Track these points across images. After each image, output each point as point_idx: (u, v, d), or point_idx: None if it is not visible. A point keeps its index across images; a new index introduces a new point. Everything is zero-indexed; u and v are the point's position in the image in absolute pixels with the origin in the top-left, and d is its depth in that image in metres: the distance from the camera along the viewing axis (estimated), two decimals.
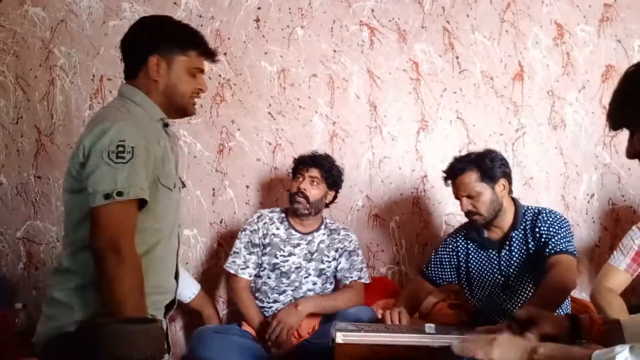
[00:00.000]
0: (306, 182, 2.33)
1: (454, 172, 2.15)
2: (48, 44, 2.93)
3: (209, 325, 2.47)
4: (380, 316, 2.02)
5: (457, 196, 2.16)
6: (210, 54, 1.62)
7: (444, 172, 2.20)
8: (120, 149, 1.39)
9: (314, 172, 2.35)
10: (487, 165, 2.11)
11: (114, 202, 1.37)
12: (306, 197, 2.32)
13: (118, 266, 1.35)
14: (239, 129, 2.83)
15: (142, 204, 1.44)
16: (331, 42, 2.83)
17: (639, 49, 2.75)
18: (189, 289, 2.51)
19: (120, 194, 1.37)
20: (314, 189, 2.34)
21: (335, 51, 2.82)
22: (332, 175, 2.38)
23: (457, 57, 2.80)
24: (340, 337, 1.57)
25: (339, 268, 2.41)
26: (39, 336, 1.50)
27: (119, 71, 1.99)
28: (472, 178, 2.10)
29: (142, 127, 1.48)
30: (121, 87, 1.61)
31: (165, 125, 1.59)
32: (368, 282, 2.45)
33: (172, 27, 1.61)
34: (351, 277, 2.39)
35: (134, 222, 1.42)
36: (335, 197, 2.46)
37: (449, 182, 2.18)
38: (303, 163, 2.38)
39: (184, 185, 1.74)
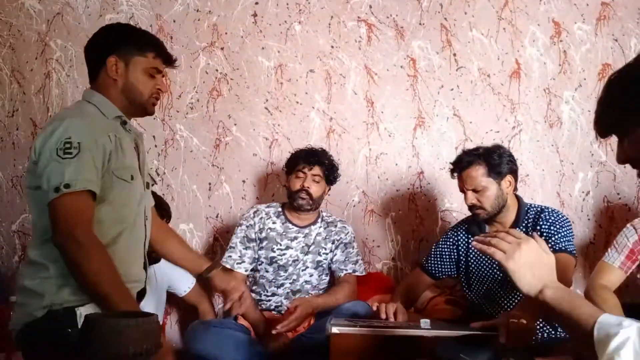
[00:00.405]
0: (309, 180, 2.35)
1: (462, 165, 2.14)
2: (44, 37, 2.91)
3: (204, 319, 2.48)
4: (375, 308, 2.02)
5: (462, 189, 2.15)
6: (168, 58, 1.71)
7: (451, 164, 2.20)
8: (67, 145, 1.47)
9: (317, 170, 2.37)
10: (495, 160, 2.11)
11: (63, 194, 1.44)
12: (310, 195, 2.34)
13: (78, 253, 1.44)
14: (235, 124, 2.83)
15: (99, 197, 1.52)
16: (329, 38, 2.82)
17: (635, 48, 2.76)
18: (184, 283, 2.52)
19: (67, 186, 1.44)
20: (315, 186, 2.37)
21: (332, 47, 2.82)
22: (332, 172, 2.42)
23: (454, 54, 2.80)
24: (336, 330, 1.58)
25: (334, 260, 2.43)
26: (13, 323, 1.58)
27: None
28: (479, 172, 2.10)
29: (92, 123, 1.56)
30: (84, 91, 1.71)
31: (124, 122, 1.67)
32: (363, 274, 2.46)
33: (130, 30, 1.72)
34: (346, 270, 2.40)
35: (90, 212, 1.49)
36: (328, 190, 2.49)
37: (455, 174, 2.18)
38: (306, 161, 2.37)
39: (154, 182, 1.84)
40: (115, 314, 1.39)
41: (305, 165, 2.37)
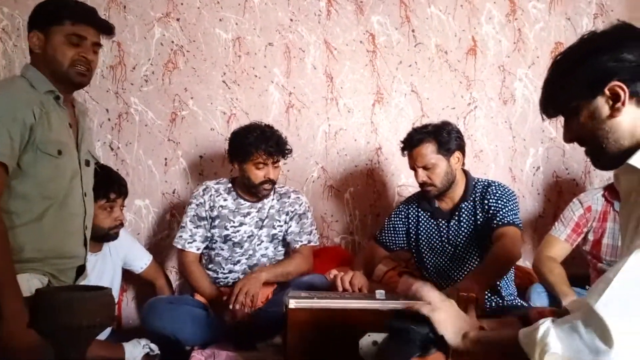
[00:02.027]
0: (272, 171, 2.28)
1: (412, 143, 2.18)
2: None
3: (161, 295, 2.46)
4: (332, 277, 2.05)
5: (413, 167, 2.20)
6: (88, 21, 1.68)
7: (402, 142, 2.23)
8: None
9: (278, 158, 2.29)
10: (444, 137, 2.15)
11: None
12: (273, 182, 2.31)
13: None
14: (192, 98, 2.77)
15: (21, 171, 1.55)
16: (288, 10, 2.79)
17: (586, 27, 2.84)
18: (140, 260, 2.49)
19: None
20: (277, 171, 2.32)
21: (291, 20, 2.79)
22: (287, 152, 2.34)
23: (412, 31, 2.82)
24: (293, 304, 1.59)
25: (289, 231, 2.40)
26: None
27: None
28: (429, 150, 2.14)
29: (13, 96, 1.57)
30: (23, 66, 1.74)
31: (57, 98, 1.66)
32: (317, 244, 2.46)
33: (48, 2, 1.70)
34: (301, 242, 2.39)
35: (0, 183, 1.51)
36: None
37: (406, 152, 2.21)
38: (266, 153, 2.24)
39: (96, 161, 1.85)
40: (68, 288, 1.38)
41: (267, 157, 2.25)
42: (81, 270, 1.75)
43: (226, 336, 2.11)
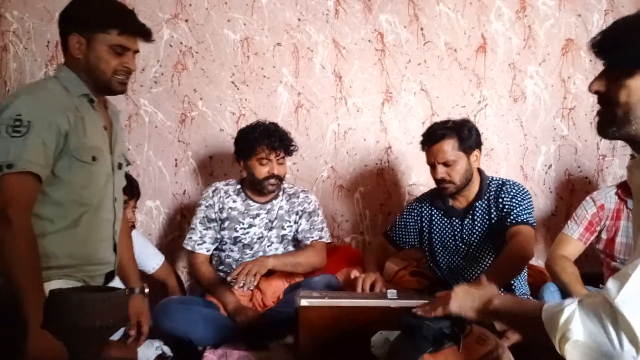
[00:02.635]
0: (276, 166, 2.27)
1: (434, 138, 2.13)
2: None
3: (173, 296, 2.46)
4: (352, 277, 2.03)
5: (432, 163, 2.14)
6: (136, 32, 1.64)
7: (422, 136, 2.19)
8: (17, 123, 1.46)
9: (281, 153, 2.29)
10: (466, 134, 2.12)
11: (4, 173, 1.44)
12: (279, 178, 2.30)
13: (5, 232, 1.43)
14: (201, 99, 2.78)
15: (55, 178, 1.52)
16: (296, 10, 2.79)
17: (597, 23, 2.81)
18: (152, 261, 2.49)
19: (10, 166, 1.44)
20: (282, 168, 2.31)
21: (300, 20, 2.79)
22: (292, 147, 2.34)
23: (421, 29, 2.81)
24: (304, 303, 1.58)
25: (299, 230, 2.39)
26: None
27: None
28: (450, 146, 2.10)
29: (48, 101, 1.53)
30: (57, 66, 1.71)
31: (91, 101, 1.63)
32: (329, 241, 2.44)
33: (94, 5, 1.63)
34: (312, 237, 2.37)
35: (29, 194, 1.48)
36: None
37: (426, 147, 2.17)
38: (269, 147, 2.25)
39: (128, 163, 1.83)
40: (82, 288, 1.38)
41: (270, 152, 2.25)
42: (110, 276, 1.72)
43: (238, 336, 2.11)
